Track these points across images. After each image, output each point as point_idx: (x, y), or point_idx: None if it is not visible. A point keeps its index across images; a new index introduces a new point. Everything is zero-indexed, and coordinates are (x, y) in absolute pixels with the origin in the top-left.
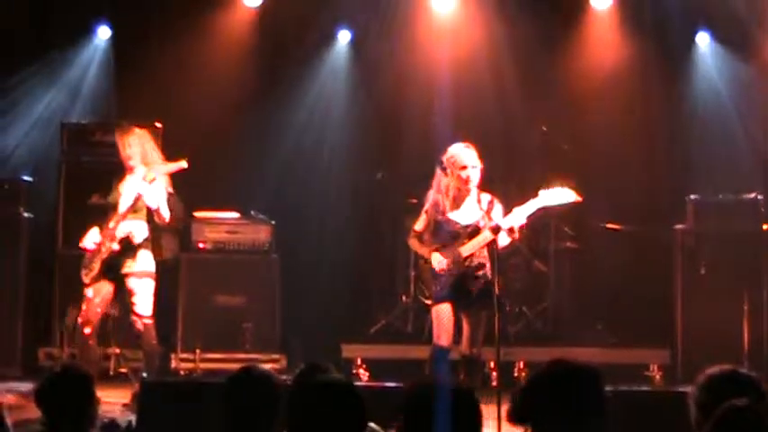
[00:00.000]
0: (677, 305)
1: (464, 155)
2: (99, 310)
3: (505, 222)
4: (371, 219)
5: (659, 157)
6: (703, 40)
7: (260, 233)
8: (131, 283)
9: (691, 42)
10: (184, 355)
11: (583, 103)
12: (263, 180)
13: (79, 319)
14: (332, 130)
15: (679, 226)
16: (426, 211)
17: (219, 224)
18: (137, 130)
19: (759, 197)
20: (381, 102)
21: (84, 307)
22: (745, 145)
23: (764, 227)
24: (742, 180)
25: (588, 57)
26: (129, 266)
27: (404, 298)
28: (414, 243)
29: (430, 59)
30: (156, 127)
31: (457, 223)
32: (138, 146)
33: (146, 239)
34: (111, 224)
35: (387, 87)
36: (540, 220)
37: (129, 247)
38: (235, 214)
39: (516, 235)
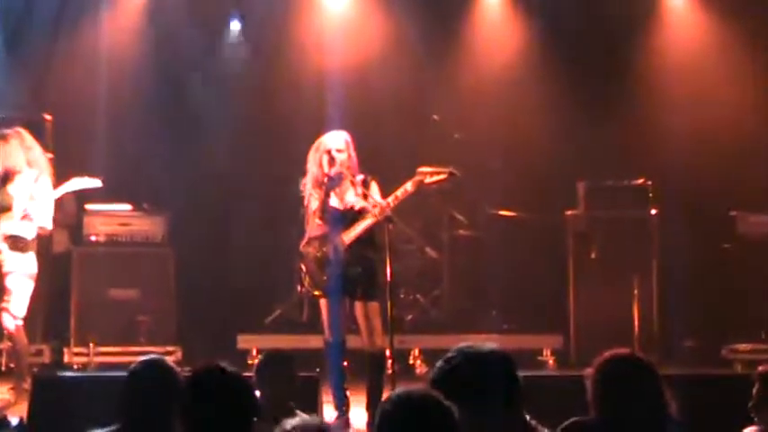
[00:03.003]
0: (569, 290)
1: (328, 139)
2: None
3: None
4: (267, 210)
5: (551, 143)
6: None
7: (154, 225)
8: (10, 281)
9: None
10: (78, 350)
11: (475, 91)
12: (156, 171)
13: None
14: (223, 122)
15: (570, 212)
16: (310, 195)
17: (112, 216)
18: (12, 137)
19: (648, 182)
20: (274, 93)
21: None
22: (632, 130)
23: (652, 212)
24: (630, 165)
25: (479, 46)
26: (11, 266)
27: (299, 287)
28: (312, 224)
29: (321, 51)
30: (45, 119)
31: (333, 207)
32: (20, 150)
33: (32, 240)
34: (2, 226)
35: (279, 78)
36: (433, 207)
37: (13, 247)
38: (127, 206)
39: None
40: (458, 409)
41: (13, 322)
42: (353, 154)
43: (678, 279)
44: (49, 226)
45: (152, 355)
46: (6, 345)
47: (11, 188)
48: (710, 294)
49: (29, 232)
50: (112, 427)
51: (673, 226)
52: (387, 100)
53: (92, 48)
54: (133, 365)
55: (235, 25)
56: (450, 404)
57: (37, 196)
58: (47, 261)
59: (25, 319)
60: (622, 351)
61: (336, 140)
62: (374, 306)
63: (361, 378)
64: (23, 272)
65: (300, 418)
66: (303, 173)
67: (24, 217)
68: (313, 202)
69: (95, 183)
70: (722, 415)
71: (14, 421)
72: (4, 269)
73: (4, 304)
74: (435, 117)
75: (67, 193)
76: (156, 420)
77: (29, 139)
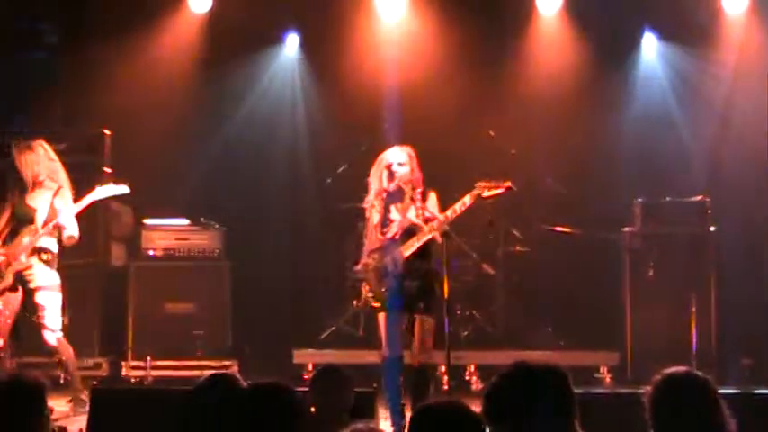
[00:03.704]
0: (626, 307)
1: (390, 154)
2: (9, 321)
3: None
4: (322, 223)
5: (607, 159)
6: (650, 41)
7: (210, 240)
8: (40, 297)
9: (637, 44)
10: (135, 363)
11: (530, 107)
12: (213, 186)
13: None
14: (281, 136)
15: (627, 228)
16: (372, 208)
17: (169, 231)
18: (38, 146)
19: (706, 199)
20: (330, 108)
21: None
22: (692, 146)
23: (711, 229)
24: (689, 182)
25: (536, 61)
26: (38, 280)
27: (354, 302)
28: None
29: (378, 66)
30: (103, 134)
31: (393, 221)
32: (42, 162)
33: (54, 254)
34: (27, 239)
35: (336, 93)
36: (489, 224)
37: (42, 260)
38: (185, 221)
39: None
40: (513, 425)
41: (53, 336)
42: (416, 168)
43: (736, 296)
44: (77, 236)
45: (218, 371)
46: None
47: (30, 200)
48: None
49: (53, 245)
50: None
51: (731, 243)
52: (443, 115)
53: (150, 63)
54: (199, 381)
55: (292, 40)
56: (479, 415)
57: (61, 208)
58: (104, 275)
59: (80, 332)
60: (680, 369)
61: (398, 155)
62: (430, 321)
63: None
64: (52, 285)
65: (355, 425)
66: (361, 187)
67: (56, 227)
68: (374, 216)
69: (123, 189)
70: None
71: None
72: (34, 284)
73: (41, 321)
74: (491, 133)
75: (125, 208)
76: None
77: (51, 152)
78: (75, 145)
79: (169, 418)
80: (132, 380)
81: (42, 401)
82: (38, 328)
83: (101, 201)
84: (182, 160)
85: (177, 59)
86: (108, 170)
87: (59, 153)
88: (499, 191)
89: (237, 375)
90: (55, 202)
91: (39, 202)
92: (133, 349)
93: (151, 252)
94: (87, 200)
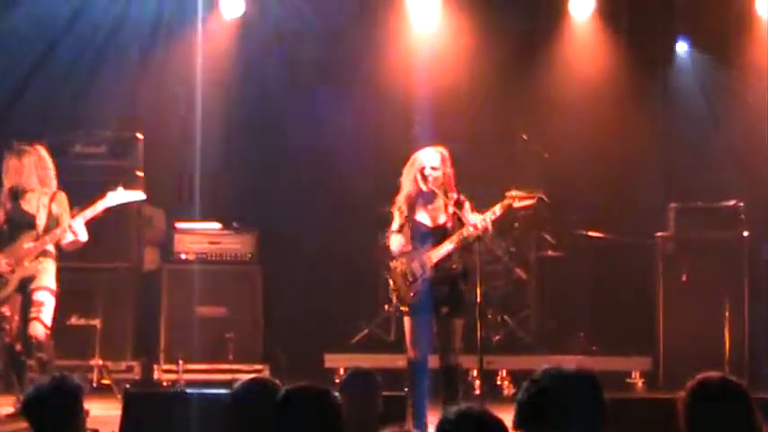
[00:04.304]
0: (658, 312)
1: (423, 156)
2: (19, 325)
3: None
4: (353, 227)
5: (640, 164)
6: (682, 47)
7: (242, 243)
8: (41, 296)
9: (670, 50)
10: (167, 366)
11: (563, 111)
12: (246, 190)
13: (7, 339)
14: (313, 139)
15: (660, 233)
16: (398, 210)
17: (202, 235)
18: (32, 151)
19: (739, 204)
20: (362, 112)
21: (7, 327)
22: (724, 152)
23: (744, 233)
24: (722, 187)
25: (568, 65)
26: (41, 281)
27: (386, 306)
28: (393, 241)
29: (410, 68)
30: (136, 138)
31: (423, 224)
32: (34, 168)
33: (54, 256)
34: (29, 244)
35: (368, 97)
36: (521, 228)
37: (44, 262)
38: (217, 225)
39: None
40: (542, 430)
41: (43, 331)
42: (450, 171)
43: None
44: (84, 242)
45: (257, 375)
46: (97, 362)
47: (26, 204)
48: None
49: (52, 247)
50: None
51: (764, 248)
52: (475, 118)
53: (183, 66)
54: (237, 385)
55: None
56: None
57: (60, 213)
58: (137, 279)
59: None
60: (715, 374)
61: (431, 158)
62: (457, 324)
63: (437, 397)
64: (52, 287)
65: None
66: (394, 190)
67: (65, 231)
68: (402, 218)
69: (138, 195)
70: None
71: None
72: (36, 285)
73: (35, 315)
74: (524, 136)
75: (157, 211)
76: None
77: (46, 157)
78: (108, 148)
79: (201, 421)
80: (164, 383)
81: (80, 403)
82: (29, 321)
83: (133, 205)
84: (213, 164)
85: (210, 62)
86: (140, 174)
87: (97, 156)
88: (531, 201)
89: (275, 380)
90: (53, 208)
91: (35, 206)
92: (165, 352)
93: (183, 256)
94: (100, 206)
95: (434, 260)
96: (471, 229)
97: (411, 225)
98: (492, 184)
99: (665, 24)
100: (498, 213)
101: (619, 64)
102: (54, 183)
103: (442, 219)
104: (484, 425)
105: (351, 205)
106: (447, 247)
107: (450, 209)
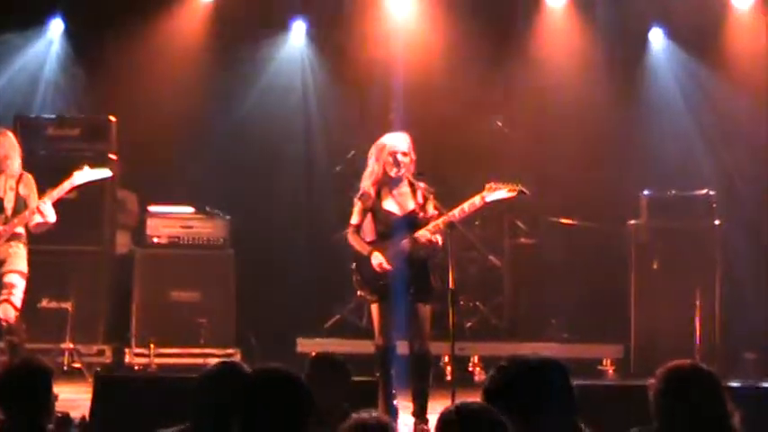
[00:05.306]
0: (630, 300)
1: (394, 141)
2: None
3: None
4: (327, 213)
5: (614, 152)
6: (657, 36)
7: (215, 228)
8: (12, 278)
9: (645, 39)
10: (139, 350)
11: (537, 98)
12: (218, 175)
13: None
14: (287, 124)
15: (632, 221)
16: (358, 200)
17: (174, 219)
18: (2, 133)
19: (711, 193)
20: (336, 97)
21: None
22: (698, 140)
23: (716, 222)
24: (695, 176)
25: (543, 53)
26: (12, 264)
27: (358, 292)
28: (353, 239)
29: (385, 54)
30: (109, 121)
31: (391, 213)
32: (4, 148)
33: (24, 239)
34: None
35: (342, 82)
36: (495, 215)
37: (15, 246)
38: (190, 209)
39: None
40: (510, 419)
41: (14, 313)
42: (414, 157)
43: (740, 291)
44: (52, 222)
45: (226, 359)
46: (69, 345)
47: None
48: None
49: (21, 229)
50: (180, 427)
51: (736, 237)
52: (450, 105)
53: (157, 49)
54: (208, 368)
55: (299, 27)
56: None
57: (28, 194)
58: (109, 262)
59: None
60: (685, 361)
61: (402, 143)
62: (426, 310)
63: (406, 383)
64: (23, 269)
65: (359, 415)
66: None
67: (34, 212)
68: (368, 202)
69: (104, 173)
70: None
71: (76, 420)
72: (7, 267)
73: (5, 297)
74: (498, 122)
75: (130, 195)
76: (226, 424)
77: (13, 140)
78: (81, 131)
79: (172, 405)
80: (135, 367)
81: (49, 386)
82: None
83: (106, 189)
84: (187, 148)
85: (184, 46)
86: (113, 157)
87: (70, 139)
88: (512, 194)
89: (242, 363)
90: (20, 190)
91: (2, 189)
92: (137, 336)
93: (156, 240)
94: (67, 186)
95: (409, 248)
96: (450, 218)
97: (377, 214)
98: (465, 170)
99: (640, 12)
100: (478, 204)
101: (593, 52)
102: (18, 167)
103: (410, 205)
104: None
105: (324, 189)
106: (423, 234)
107: (420, 197)
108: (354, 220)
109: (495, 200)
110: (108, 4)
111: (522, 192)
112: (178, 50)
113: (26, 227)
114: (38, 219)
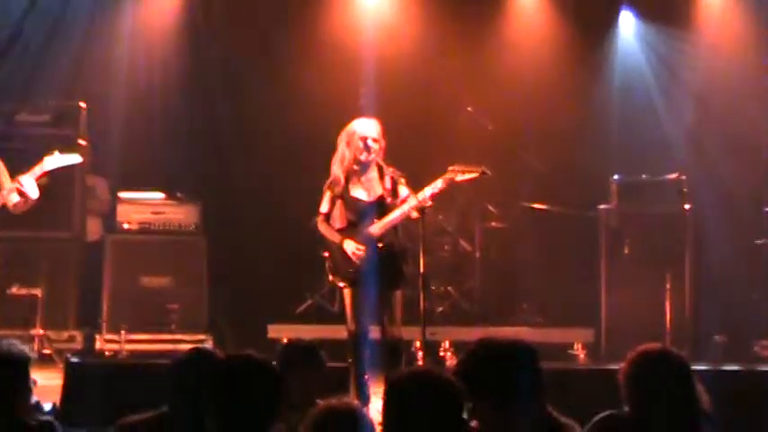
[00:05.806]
0: (601, 285)
1: (364, 126)
2: None
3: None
4: (300, 198)
5: (583, 137)
6: (627, 19)
7: (186, 214)
8: None
9: (614, 21)
10: (109, 337)
11: (508, 83)
12: (189, 161)
13: None
14: (255, 108)
15: (603, 206)
16: (327, 188)
17: (145, 205)
18: None
19: (682, 177)
20: (307, 84)
21: None
22: (669, 124)
23: (686, 207)
24: (665, 160)
25: (513, 38)
26: None
27: (330, 277)
28: (323, 228)
29: (355, 40)
30: (80, 107)
31: (360, 200)
32: None
33: None
34: None
35: (311, 71)
36: (466, 200)
37: None
38: (161, 195)
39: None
40: (480, 401)
41: None
42: (383, 144)
43: (711, 275)
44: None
45: (198, 345)
46: (38, 331)
47: None
48: (743, 290)
49: None
50: (154, 412)
51: (706, 221)
52: (420, 91)
53: (127, 36)
54: (180, 355)
55: None
56: (458, 383)
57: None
58: (80, 248)
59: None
60: (655, 345)
61: (373, 129)
62: (397, 295)
63: (378, 369)
64: None
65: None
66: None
67: (14, 191)
68: (336, 189)
69: (75, 159)
70: (753, 410)
71: (47, 407)
72: None
73: None
74: (469, 108)
75: (101, 181)
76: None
77: None
78: (51, 117)
79: (143, 390)
80: (106, 353)
81: (27, 373)
82: None
83: (76, 175)
84: (159, 133)
85: (155, 31)
86: (83, 143)
87: (41, 125)
88: (473, 175)
89: (214, 350)
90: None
91: None
92: (108, 322)
93: (126, 225)
94: (37, 170)
95: (378, 233)
96: (416, 202)
97: (346, 201)
98: (436, 158)
99: None
100: (441, 186)
101: (564, 36)
102: None
103: (378, 191)
104: (441, 388)
105: (296, 175)
106: (387, 220)
107: (388, 182)
108: (324, 208)
109: (458, 181)
110: None
111: (484, 172)
112: (149, 34)
113: (4, 208)
114: (15, 198)
